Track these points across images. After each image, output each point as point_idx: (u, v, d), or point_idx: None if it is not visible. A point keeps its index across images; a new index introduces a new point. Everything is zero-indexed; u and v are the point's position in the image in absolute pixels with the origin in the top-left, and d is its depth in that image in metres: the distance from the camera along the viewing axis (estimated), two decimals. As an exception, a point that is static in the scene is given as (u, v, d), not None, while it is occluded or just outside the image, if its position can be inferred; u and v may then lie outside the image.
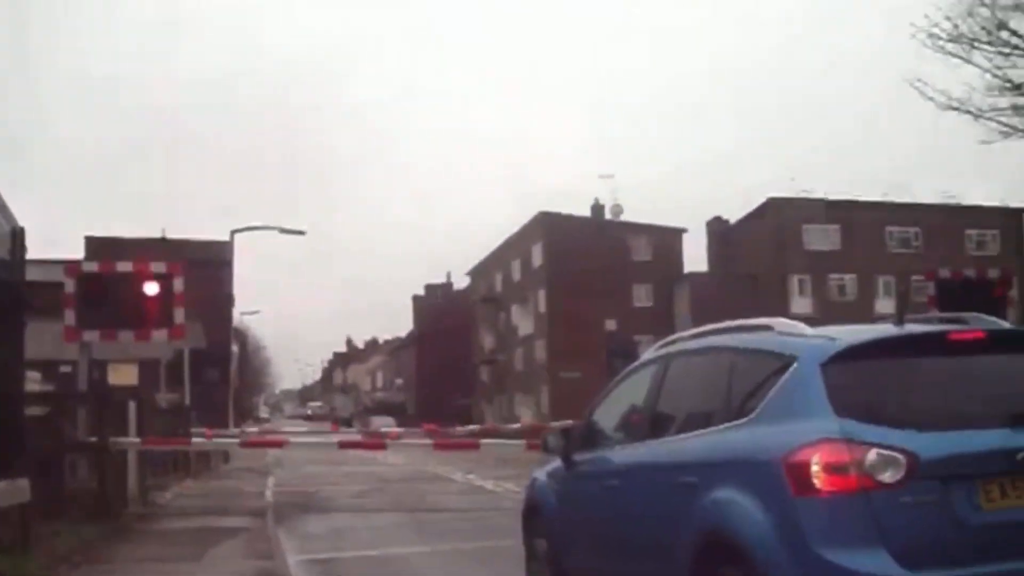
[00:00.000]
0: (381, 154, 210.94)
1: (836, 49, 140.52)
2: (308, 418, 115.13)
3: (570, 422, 12.44)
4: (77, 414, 15.53)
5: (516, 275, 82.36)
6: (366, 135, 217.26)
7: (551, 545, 8.19)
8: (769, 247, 66.16)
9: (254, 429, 49.14)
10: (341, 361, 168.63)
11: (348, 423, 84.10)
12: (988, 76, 20.23)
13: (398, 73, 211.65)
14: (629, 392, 7.61)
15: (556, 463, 8.36)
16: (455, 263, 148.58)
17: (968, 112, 20.54)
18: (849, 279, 67.45)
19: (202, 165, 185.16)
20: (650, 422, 7.02)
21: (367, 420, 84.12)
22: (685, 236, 75.74)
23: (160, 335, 16.43)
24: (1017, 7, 19.75)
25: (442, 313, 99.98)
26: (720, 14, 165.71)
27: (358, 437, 37.45)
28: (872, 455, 4.99)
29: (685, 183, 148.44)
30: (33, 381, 16.55)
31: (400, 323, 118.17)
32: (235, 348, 52.52)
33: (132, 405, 17.70)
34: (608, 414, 7.93)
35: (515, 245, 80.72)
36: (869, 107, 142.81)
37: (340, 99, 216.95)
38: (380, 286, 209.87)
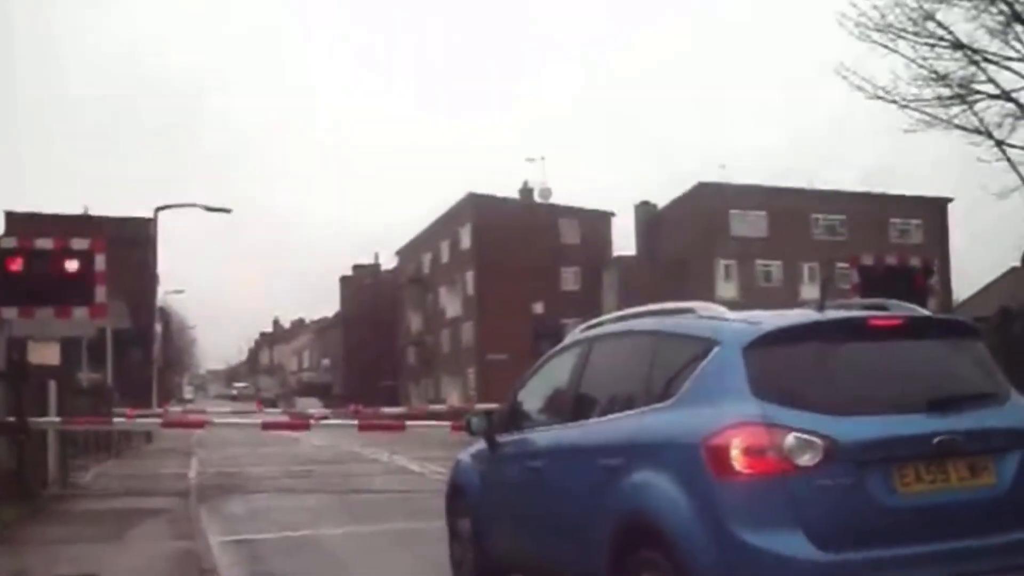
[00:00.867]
0: (309, 133, 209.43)
1: (769, 37, 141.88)
2: (234, 398, 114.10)
3: (496, 405, 12.44)
4: (-6, 393, 15.23)
5: (444, 256, 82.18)
6: (295, 114, 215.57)
7: (474, 526, 8.19)
8: (697, 232, 66.61)
9: (178, 409, 48.72)
10: (267, 341, 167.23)
11: (273, 404, 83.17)
12: (914, 66, 20.46)
13: (325, 51, 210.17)
14: (553, 375, 7.61)
15: (481, 445, 8.35)
16: (383, 243, 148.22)
17: (893, 101, 20.77)
18: (775, 265, 68.33)
19: (130, 140, 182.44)
20: (573, 405, 7.03)
21: (292, 401, 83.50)
22: (614, 220, 76.54)
23: (81, 313, 16.09)
24: (943, -1, 19.99)
25: (370, 294, 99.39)
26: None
27: (283, 418, 37.30)
28: (790, 439, 5.05)
29: (615, 168, 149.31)
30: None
31: (327, 304, 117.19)
32: (159, 327, 51.75)
33: (52, 384, 17.43)
34: (532, 396, 7.92)
35: (444, 226, 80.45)
36: (799, 94, 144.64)
37: (271, 75, 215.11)
38: (308, 266, 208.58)
